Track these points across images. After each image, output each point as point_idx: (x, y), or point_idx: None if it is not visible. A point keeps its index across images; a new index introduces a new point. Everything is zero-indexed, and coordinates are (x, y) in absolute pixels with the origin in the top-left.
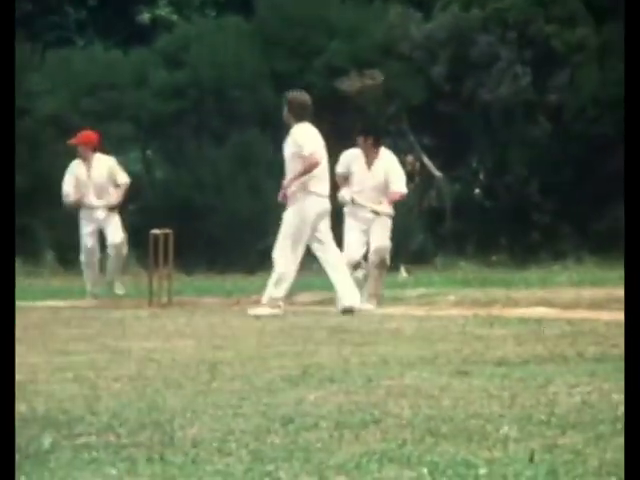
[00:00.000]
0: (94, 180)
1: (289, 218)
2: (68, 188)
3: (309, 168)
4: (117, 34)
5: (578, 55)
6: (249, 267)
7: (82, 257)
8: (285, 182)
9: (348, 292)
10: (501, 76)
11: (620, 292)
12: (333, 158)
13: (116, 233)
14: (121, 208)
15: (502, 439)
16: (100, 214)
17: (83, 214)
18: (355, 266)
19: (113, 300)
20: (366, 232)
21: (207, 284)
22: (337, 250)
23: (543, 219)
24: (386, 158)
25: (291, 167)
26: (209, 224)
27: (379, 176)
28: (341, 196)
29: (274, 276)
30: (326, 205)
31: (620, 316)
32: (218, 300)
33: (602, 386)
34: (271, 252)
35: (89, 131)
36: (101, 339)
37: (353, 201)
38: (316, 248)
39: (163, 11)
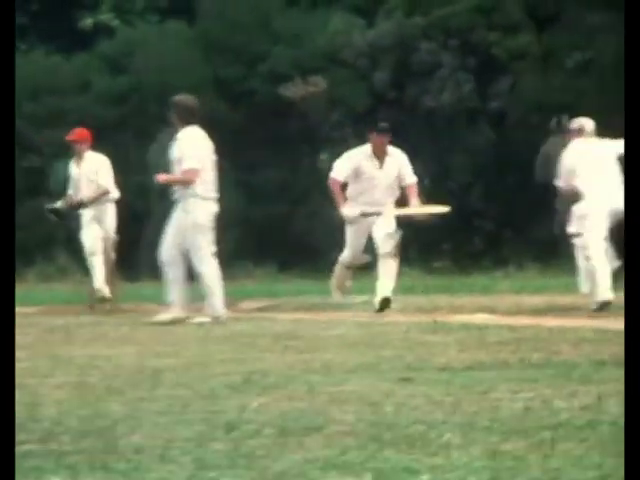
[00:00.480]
0: (86, 176)
1: (187, 225)
2: (70, 191)
3: (184, 183)
4: (59, 39)
5: (520, 62)
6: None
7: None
8: (167, 177)
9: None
10: (444, 83)
11: (562, 299)
12: (278, 165)
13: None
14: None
15: (445, 445)
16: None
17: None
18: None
19: (54, 306)
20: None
21: (150, 291)
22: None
23: (486, 226)
24: (396, 154)
25: (177, 170)
26: (152, 230)
27: (391, 174)
28: (345, 215)
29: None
30: (215, 209)
31: (561, 322)
32: (161, 307)
33: (544, 392)
34: (216, 258)
35: (83, 128)
36: (43, 346)
37: (363, 214)
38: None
39: (105, 16)
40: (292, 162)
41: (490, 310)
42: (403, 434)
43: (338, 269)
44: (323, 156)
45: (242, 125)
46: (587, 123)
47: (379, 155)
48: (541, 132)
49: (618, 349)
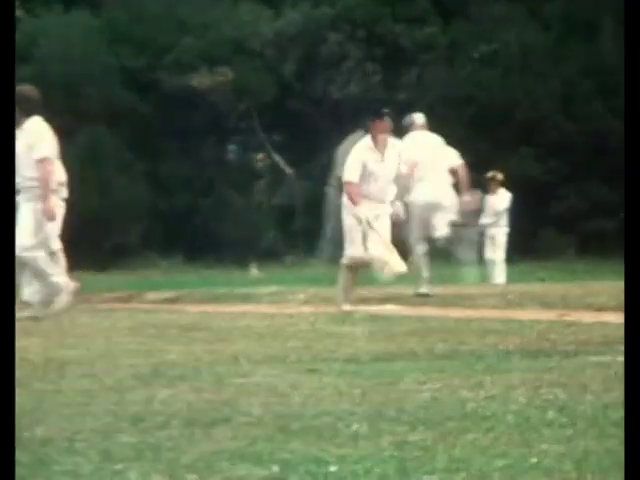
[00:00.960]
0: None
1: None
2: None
3: (45, 176)
4: None
5: (426, 54)
6: (99, 264)
7: None
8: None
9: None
10: (350, 74)
11: (469, 290)
12: (184, 156)
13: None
14: None
15: (352, 436)
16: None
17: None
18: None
19: None
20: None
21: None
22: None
23: None
24: (396, 144)
25: (25, 163)
26: None
27: (392, 166)
28: (362, 213)
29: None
30: (61, 201)
31: (468, 313)
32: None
33: (451, 382)
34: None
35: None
36: None
37: (369, 224)
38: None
39: None
40: (199, 153)
41: (397, 300)
42: (311, 425)
43: (342, 274)
44: (231, 147)
45: (148, 116)
46: (417, 116)
47: (380, 147)
48: (447, 123)
49: (523, 339)
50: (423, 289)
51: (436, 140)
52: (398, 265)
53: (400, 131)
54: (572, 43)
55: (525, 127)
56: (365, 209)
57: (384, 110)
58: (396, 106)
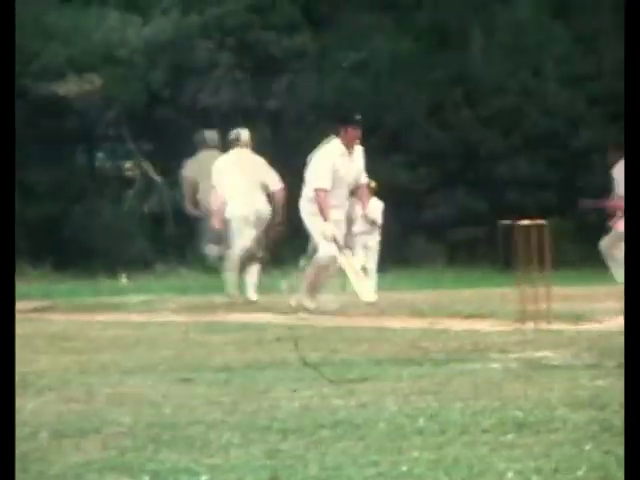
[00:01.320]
0: None
1: None
2: None
3: None
4: None
5: (297, 62)
6: None
7: None
8: None
9: None
10: (220, 82)
11: (341, 298)
12: (52, 164)
13: None
14: None
15: (224, 445)
16: None
17: None
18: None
19: None
20: None
21: None
22: None
23: None
24: (359, 149)
25: None
26: None
27: (357, 172)
28: (325, 234)
29: None
30: None
31: (339, 321)
32: None
33: (322, 391)
34: None
35: None
36: None
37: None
38: None
39: None
40: (67, 161)
41: (268, 309)
42: (182, 435)
43: (312, 271)
44: (100, 155)
45: (15, 123)
46: (243, 133)
47: (350, 151)
48: (317, 131)
49: (394, 347)
50: (251, 295)
51: (258, 161)
52: (367, 294)
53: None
54: (441, 52)
55: (395, 135)
56: (332, 227)
57: (357, 117)
58: (267, 114)
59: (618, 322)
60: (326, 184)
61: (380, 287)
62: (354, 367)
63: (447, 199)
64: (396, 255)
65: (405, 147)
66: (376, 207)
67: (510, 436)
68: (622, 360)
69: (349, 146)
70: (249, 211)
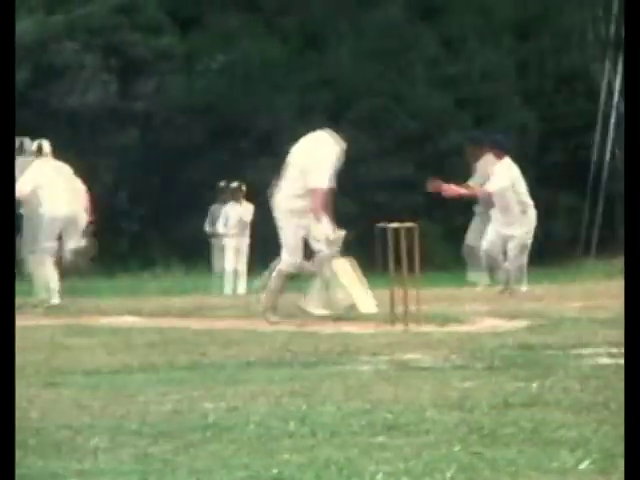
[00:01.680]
0: None
1: None
2: None
3: None
4: None
5: (164, 63)
6: None
7: None
8: None
9: None
10: (87, 83)
11: (212, 300)
12: None
13: None
14: None
15: (92, 450)
16: None
17: None
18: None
19: None
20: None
21: None
22: None
23: (132, 227)
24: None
25: None
26: None
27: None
28: (325, 233)
29: None
30: None
31: (209, 324)
32: None
33: (192, 394)
34: None
35: None
36: None
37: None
38: None
39: None
40: None
41: (137, 312)
42: (49, 440)
43: (276, 281)
44: None
45: None
46: (45, 144)
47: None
48: (186, 133)
49: (265, 350)
50: (54, 300)
51: (66, 169)
52: (368, 305)
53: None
54: (310, 54)
55: (264, 137)
56: (328, 228)
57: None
58: (135, 116)
59: (487, 324)
60: (328, 183)
61: (252, 290)
62: (224, 370)
63: None
64: (269, 258)
65: (275, 150)
66: (247, 209)
67: (380, 438)
68: (491, 362)
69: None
70: (66, 211)
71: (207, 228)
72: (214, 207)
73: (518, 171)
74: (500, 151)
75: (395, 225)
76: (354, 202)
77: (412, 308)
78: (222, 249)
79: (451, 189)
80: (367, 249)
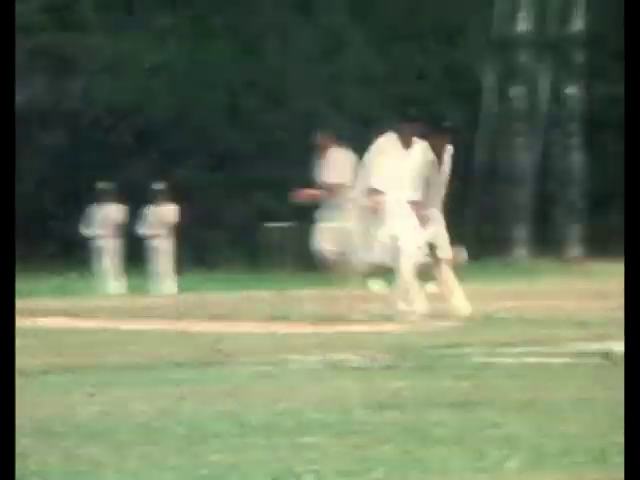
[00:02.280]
0: None
1: None
2: None
3: None
4: None
5: (93, 63)
6: None
7: None
8: None
9: None
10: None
11: (140, 301)
12: None
13: None
14: None
15: (20, 453)
16: None
17: None
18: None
19: None
20: None
21: None
22: None
23: (58, 228)
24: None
25: None
26: None
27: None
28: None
29: None
30: None
31: (138, 324)
32: None
33: (121, 395)
34: None
35: None
36: None
37: None
38: None
39: None
40: None
41: (65, 313)
42: None
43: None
44: None
45: None
46: None
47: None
48: (115, 133)
49: (194, 350)
50: None
51: None
52: (464, 307)
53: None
54: (240, 55)
55: (194, 137)
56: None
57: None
58: (62, 116)
59: (417, 324)
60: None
61: (179, 289)
62: (154, 370)
63: (245, 201)
64: (194, 257)
65: (204, 149)
66: (169, 210)
67: (310, 438)
68: (420, 361)
69: (406, 143)
70: None
71: (140, 230)
72: (89, 208)
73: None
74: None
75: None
76: (284, 201)
77: (342, 308)
78: (153, 250)
79: (306, 194)
80: (302, 248)
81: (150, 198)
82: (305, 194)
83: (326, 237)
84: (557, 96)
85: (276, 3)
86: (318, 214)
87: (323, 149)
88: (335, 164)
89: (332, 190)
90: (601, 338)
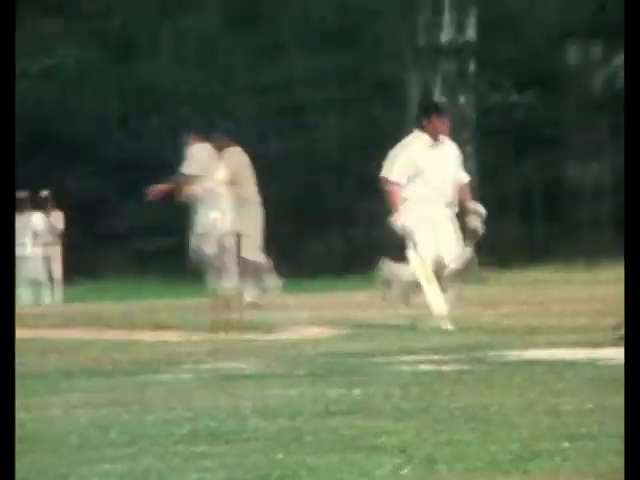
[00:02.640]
0: None
1: None
2: None
3: None
4: None
5: None
6: None
7: None
8: None
9: None
10: None
11: (24, 310)
12: None
13: None
14: None
15: None
16: None
17: None
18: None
19: None
20: None
21: None
22: None
23: None
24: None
25: None
26: None
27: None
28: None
29: None
30: None
31: (25, 333)
32: None
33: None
34: None
35: None
36: None
37: None
38: None
39: None
40: None
41: None
42: None
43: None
44: None
45: None
46: None
47: (436, 143)
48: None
49: (85, 358)
50: None
51: None
52: (441, 308)
53: None
54: (129, 61)
55: (83, 144)
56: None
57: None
58: None
59: (309, 331)
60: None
61: (68, 298)
62: (43, 379)
63: (137, 209)
64: (84, 266)
65: (93, 156)
66: (56, 217)
67: (202, 446)
68: (313, 369)
69: (435, 138)
70: None
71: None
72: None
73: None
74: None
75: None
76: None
77: (234, 316)
78: (28, 260)
79: (157, 190)
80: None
81: (36, 205)
82: (157, 190)
83: (207, 241)
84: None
85: (162, 9)
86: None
87: (188, 145)
88: (194, 157)
89: (186, 182)
90: (492, 345)
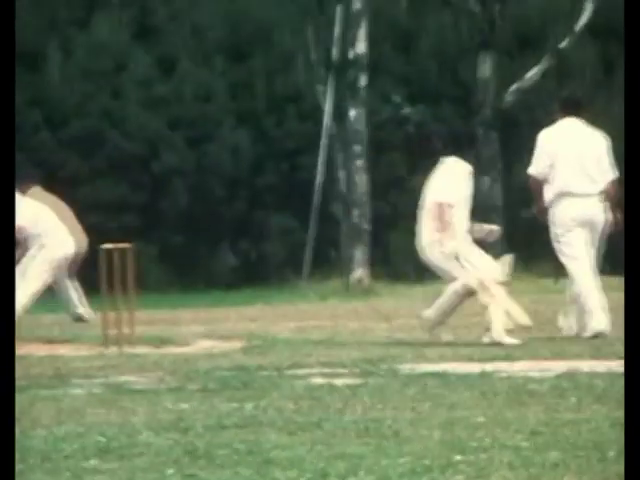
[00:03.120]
0: None
1: None
2: None
3: None
4: None
5: None
6: None
7: None
8: None
9: None
10: None
11: None
12: None
13: None
14: None
15: None
16: None
17: None
18: None
19: None
20: None
21: None
22: None
23: None
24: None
25: None
26: None
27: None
28: None
29: None
30: None
31: None
32: None
33: None
34: None
35: None
36: None
37: None
38: None
39: None
40: None
41: None
42: None
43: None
44: None
45: None
46: None
47: None
48: None
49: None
50: None
51: None
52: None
53: None
54: (18, 73)
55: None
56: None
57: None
58: None
59: (202, 345)
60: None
61: None
62: None
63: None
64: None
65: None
66: None
67: (93, 461)
68: (206, 384)
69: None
70: None
71: None
72: None
73: None
74: None
75: (108, 246)
76: None
77: (126, 330)
78: None
79: None
80: (90, 271)
81: None
82: None
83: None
84: (342, 118)
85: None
86: None
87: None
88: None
89: None
90: (385, 359)
